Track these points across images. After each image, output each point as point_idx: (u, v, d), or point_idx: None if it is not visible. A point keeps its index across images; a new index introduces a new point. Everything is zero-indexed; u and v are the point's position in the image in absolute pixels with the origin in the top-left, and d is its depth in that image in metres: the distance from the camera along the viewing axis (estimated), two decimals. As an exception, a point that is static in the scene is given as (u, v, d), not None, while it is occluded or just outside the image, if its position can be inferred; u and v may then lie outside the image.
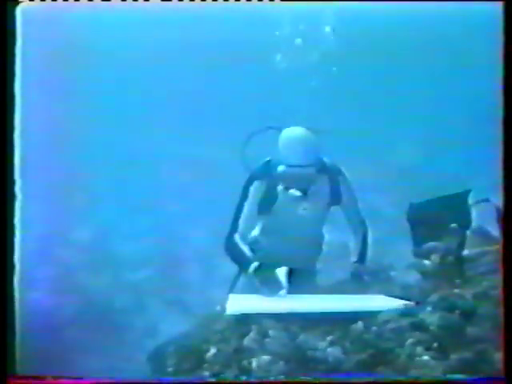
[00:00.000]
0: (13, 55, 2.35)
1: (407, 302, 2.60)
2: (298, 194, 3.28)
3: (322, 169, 3.33)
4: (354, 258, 3.42)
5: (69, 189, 8.26)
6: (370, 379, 2.02)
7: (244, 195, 3.36)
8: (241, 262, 3.29)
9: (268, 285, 3.10)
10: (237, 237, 3.32)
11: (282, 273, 3.14)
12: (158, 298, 6.31)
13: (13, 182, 2.40)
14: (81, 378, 2.31)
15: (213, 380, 2.14)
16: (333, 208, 3.49)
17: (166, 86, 10.11)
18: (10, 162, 2.38)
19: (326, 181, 3.37)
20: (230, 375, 2.32)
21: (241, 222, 3.34)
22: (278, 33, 3.93)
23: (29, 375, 2.25)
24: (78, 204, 8.08)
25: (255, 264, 3.19)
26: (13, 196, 2.38)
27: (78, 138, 9.08)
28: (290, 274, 3.16)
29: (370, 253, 3.45)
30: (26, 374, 2.25)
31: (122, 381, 2.25)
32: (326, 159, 3.38)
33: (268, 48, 3.90)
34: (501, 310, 2.10)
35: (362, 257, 3.41)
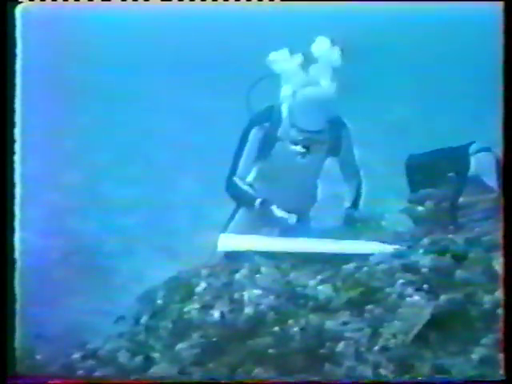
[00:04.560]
0: (13, 55, 2.31)
1: (399, 247, 2.62)
2: (303, 150, 3.29)
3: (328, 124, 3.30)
4: (347, 204, 3.44)
5: (61, 132, 8.17)
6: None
7: (243, 140, 3.36)
8: (245, 199, 3.37)
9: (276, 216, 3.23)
10: (236, 179, 3.36)
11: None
12: (146, 243, 6.29)
13: (13, 121, 2.36)
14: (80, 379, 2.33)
15: (211, 380, 2.14)
16: (330, 160, 3.50)
17: (160, 34, 9.97)
18: (10, 108, 2.34)
19: (327, 132, 3.34)
20: (220, 307, 2.34)
21: (239, 165, 3.37)
22: None
23: (29, 376, 2.25)
24: (69, 147, 8.01)
25: (260, 199, 3.28)
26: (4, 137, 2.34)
27: (71, 83, 8.97)
28: None
29: (362, 201, 3.47)
30: (25, 375, 2.25)
31: (121, 381, 2.27)
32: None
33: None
34: (501, 311, 2.10)
35: (355, 203, 3.44)
